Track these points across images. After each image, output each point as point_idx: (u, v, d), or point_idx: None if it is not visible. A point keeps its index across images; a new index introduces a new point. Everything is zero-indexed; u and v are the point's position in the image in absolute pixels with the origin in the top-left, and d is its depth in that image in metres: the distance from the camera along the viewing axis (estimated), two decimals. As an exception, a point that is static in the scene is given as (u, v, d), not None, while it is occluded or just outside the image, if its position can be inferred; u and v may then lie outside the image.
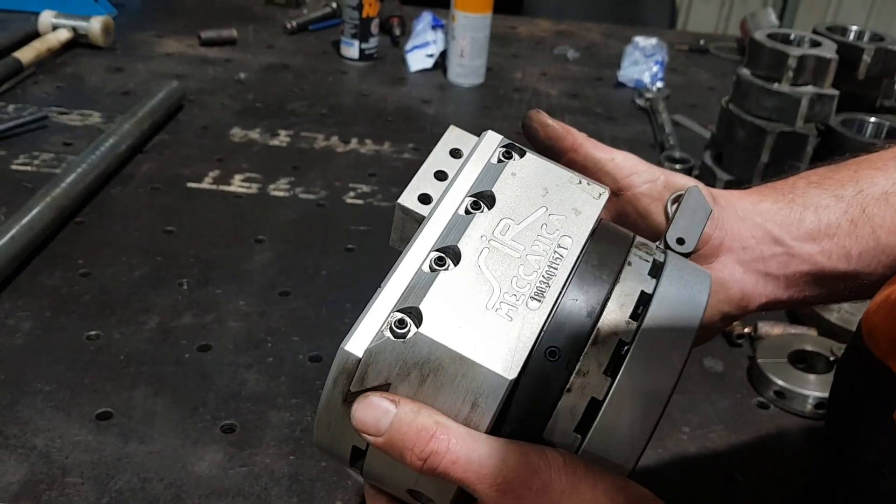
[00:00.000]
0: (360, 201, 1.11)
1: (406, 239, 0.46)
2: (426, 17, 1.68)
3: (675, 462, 0.73)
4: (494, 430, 0.38)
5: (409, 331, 0.37)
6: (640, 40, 1.65)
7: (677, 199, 0.51)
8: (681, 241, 0.48)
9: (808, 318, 0.89)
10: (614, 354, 0.39)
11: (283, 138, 1.27)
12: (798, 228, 0.51)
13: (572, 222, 0.43)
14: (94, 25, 1.52)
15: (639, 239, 0.45)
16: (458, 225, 0.42)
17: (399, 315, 0.38)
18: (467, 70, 1.53)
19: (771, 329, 0.87)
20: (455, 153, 0.48)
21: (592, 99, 1.54)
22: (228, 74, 1.50)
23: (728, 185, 1.13)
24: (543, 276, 0.40)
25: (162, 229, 1.00)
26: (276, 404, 0.75)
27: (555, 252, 0.42)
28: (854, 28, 1.23)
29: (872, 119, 1.11)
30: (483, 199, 0.43)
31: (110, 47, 1.55)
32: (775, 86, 1.09)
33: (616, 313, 0.40)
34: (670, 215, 0.50)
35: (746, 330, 0.87)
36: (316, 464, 0.69)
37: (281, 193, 1.11)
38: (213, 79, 1.48)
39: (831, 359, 0.82)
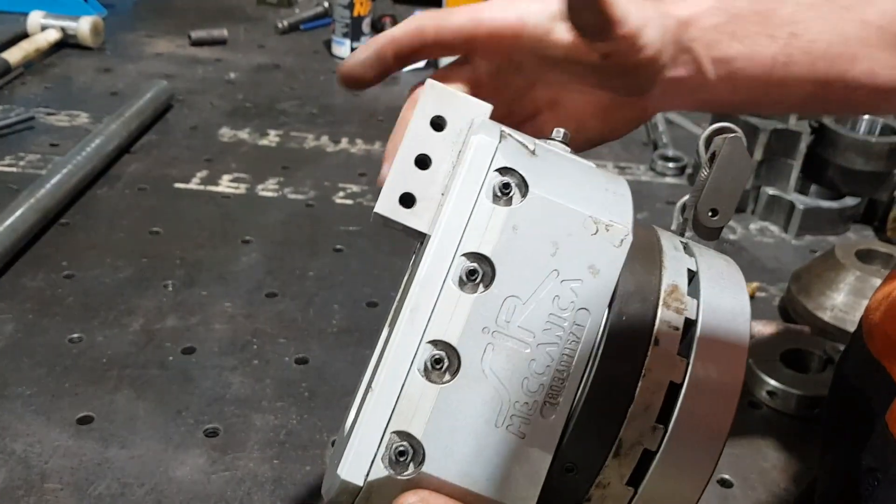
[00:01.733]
0: (349, 201, 1.09)
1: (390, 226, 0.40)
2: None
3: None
4: None
5: (409, 466, 0.35)
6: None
7: (711, 141, 0.45)
8: (714, 213, 0.43)
9: (801, 317, 0.88)
10: (638, 465, 0.36)
11: (272, 138, 1.26)
12: (726, 66, 0.50)
13: (589, 287, 0.36)
14: (84, 26, 1.50)
15: (667, 281, 0.38)
16: (453, 305, 0.36)
17: (398, 443, 0.35)
18: (459, 69, 1.51)
19: (763, 328, 0.86)
20: (437, 124, 0.40)
21: (585, 97, 1.53)
22: (218, 74, 1.49)
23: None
24: (558, 371, 0.36)
25: (148, 230, 0.99)
26: (260, 407, 0.74)
27: (570, 335, 0.36)
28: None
29: (865, 116, 1.10)
30: (480, 263, 0.36)
31: (99, 48, 1.54)
32: (768, 82, 1.08)
33: (640, 418, 0.35)
34: (703, 166, 0.45)
35: (739, 329, 0.86)
36: (300, 468, 0.68)
37: (269, 194, 1.10)
38: (202, 79, 1.47)
39: (824, 358, 0.81)
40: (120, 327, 0.82)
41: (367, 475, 0.35)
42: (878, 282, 0.85)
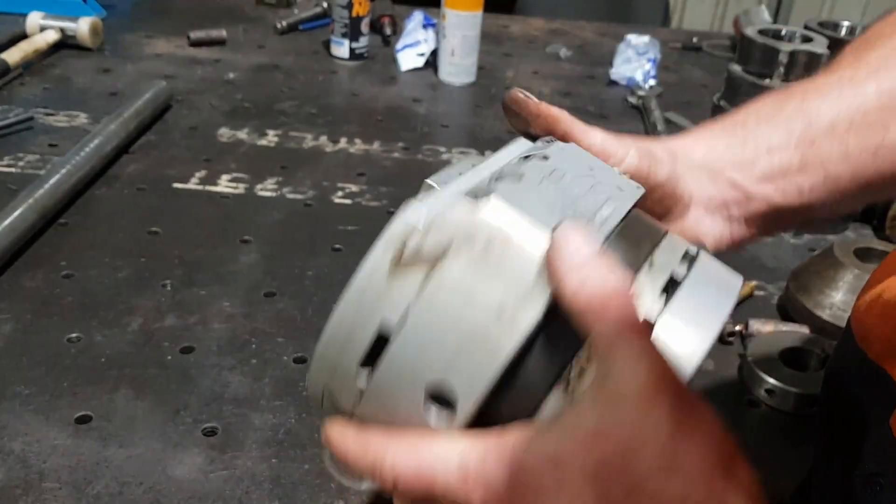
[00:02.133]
0: (348, 201, 1.09)
1: None
2: (417, 16, 1.67)
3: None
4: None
5: (479, 203, 0.37)
6: (633, 38, 1.64)
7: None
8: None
9: (800, 315, 0.88)
10: (668, 283, 0.39)
11: (271, 138, 1.26)
12: (753, 170, 0.52)
13: (617, 193, 0.42)
14: (83, 26, 1.50)
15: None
16: (512, 166, 0.41)
17: (473, 200, 0.37)
18: (458, 69, 1.52)
19: (762, 327, 0.86)
20: None
21: (585, 97, 1.53)
22: (217, 75, 1.49)
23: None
24: (597, 217, 0.40)
25: (147, 230, 0.99)
26: (259, 406, 0.74)
27: (605, 206, 0.41)
28: (846, 23, 1.22)
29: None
30: (536, 157, 0.43)
31: (99, 48, 1.54)
32: (766, 81, 1.08)
33: (667, 253, 0.41)
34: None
35: (737, 328, 0.86)
36: (298, 467, 0.68)
37: (268, 193, 1.10)
38: (201, 79, 1.47)
39: (823, 356, 0.81)
40: (119, 327, 0.82)
41: (436, 210, 0.37)
42: (876, 280, 0.85)
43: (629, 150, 0.49)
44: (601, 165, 0.45)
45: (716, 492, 0.33)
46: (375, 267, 0.37)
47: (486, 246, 0.36)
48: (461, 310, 0.36)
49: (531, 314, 0.36)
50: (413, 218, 0.37)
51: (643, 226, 0.43)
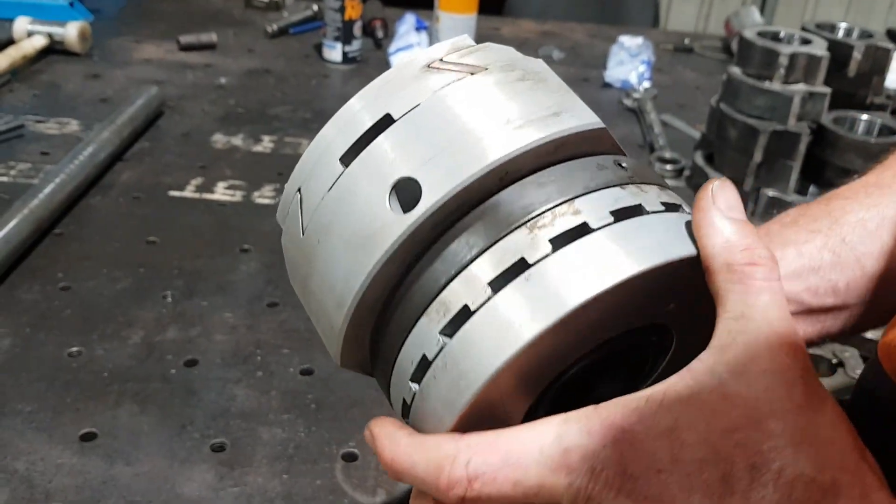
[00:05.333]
0: (347, 208, 1.08)
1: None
2: (409, 19, 1.65)
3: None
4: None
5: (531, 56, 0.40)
6: (626, 40, 1.64)
7: None
8: None
9: (808, 319, 0.88)
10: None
11: (266, 144, 1.25)
12: (781, 269, 0.50)
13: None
14: (71, 31, 1.48)
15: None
16: None
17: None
18: (452, 72, 1.51)
19: (771, 332, 0.85)
20: None
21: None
22: (209, 79, 1.47)
23: (721, 186, 1.11)
24: None
25: (144, 240, 0.98)
26: (267, 420, 0.72)
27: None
28: (843, 25, 1.22)
29: (864, 116, 1.10)
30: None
31: (87, 54, 1.52)
32: (766, 84, 1.08)
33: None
34: None
35: (746, 333, 0.85)
36: (310, 482, 0.66)
37: (266, 201, 1.08)
38: (193, 84, 1.45)
39: (833, 362, 0.80)
40: (120, 340, 0.81)
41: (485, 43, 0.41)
42: (884, 284, 0.84)
43: None
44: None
45: (857, 474, 0.31)
46: (413, 61, 0.39)
47: (519, 78, 0.38)
48: (471, 113, 0.37)
49: (539, 133, 0.36)
50: (465, 40, 0.40)
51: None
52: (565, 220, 0.35)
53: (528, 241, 0.35)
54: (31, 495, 0.63)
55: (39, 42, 1.45)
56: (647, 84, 1.56)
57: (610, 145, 0.40)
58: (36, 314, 0.83)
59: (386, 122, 0.37)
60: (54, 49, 1.49)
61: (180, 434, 0.70)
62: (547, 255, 0.34)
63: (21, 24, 1.48)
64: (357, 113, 0.38)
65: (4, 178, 1.08)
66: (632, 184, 0.38)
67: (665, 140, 1.32)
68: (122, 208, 1.04)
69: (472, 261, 0.35)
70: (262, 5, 1.86)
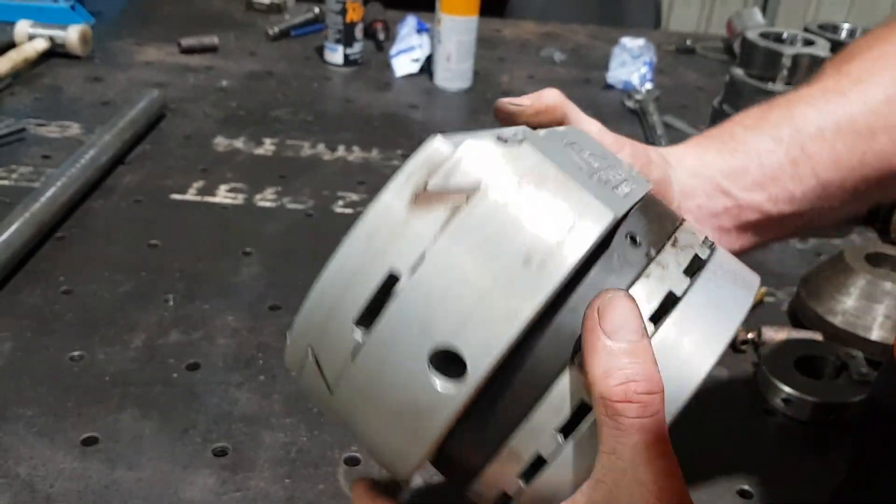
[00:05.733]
0: (349, 210, 1.08)
1: None
2: (410, 21, 1.65)
3: (684, 476, 0.70)
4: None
5: (510, 142, 0.35)
6: (627, 41, 1.63)
7: None
8: None
9: (812, 322, 0.87)
10: (693, 261, 0.38)
11: (268, 147, 1.24)
12: (744, 178, 0.52)
13: (632, 179, 0.40)
14: (72, 34, 1.48)
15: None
16: (534, 133, 0.39)
17: (504, 142, 0.35)
18: (454, 74, 1.50)
19: (775, 334, 0.85)
20: None
21: (581, 101, 1.51)
22: (210, 82, 1.47)
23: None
24: (620, 186, 0.38)
25: (146, 243, 0.97)
26: (269, 424, 0.72)
27: (624, 181, 0.39)
28: (846, 26, 1.22)
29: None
30: (552, 129, 0.42)
31: (88, 57, 1.52)
32: (770, 85, 1.07)
33: (689, 233, 0.39)
34: None
35: (750, 336, 0.85)
36: (313, 487, 0.66)
37: (268, 204, 1.08)
38: (194, 87, 1.45)
39: (838, 364, 0.80)
40: (121, 343, 0.80)
41: (466, 142, 0.34)
42: (888, 286, 0.84)
43: (624, 146, 0.49)
44: (612, 153, 0.43)
45: None
46: (392, 202, 0.33)
47: (518, 183, 0.33)
48: (484, 258, 0.33)
49: (564, 265, 0.33)
50: (439, 150, 0.33)
51: (662, 207, 0.41)
52: None
53: (580, 383, 0.35)
54: (32, 500, 0.63)
55: (41, 45, 1.45)
56: (649, 85, 1.56)
57: None
58: (37, 318, 0.83)
59: (392, 280, 0.34)
60: (55, 52, 1.49)
61: (182, 438, 0.70)
62: None
63: (22, 27, 1.48)
64: (358, 270, 0.35)
65: (6, 182, 1.07)
66: (651, 262, 0.37)
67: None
68: (123, 212, 1.04)
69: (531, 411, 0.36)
70: (263, 8, 1.86)
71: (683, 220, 0.42)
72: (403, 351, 0.34)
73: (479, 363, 0.34)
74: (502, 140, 0.35)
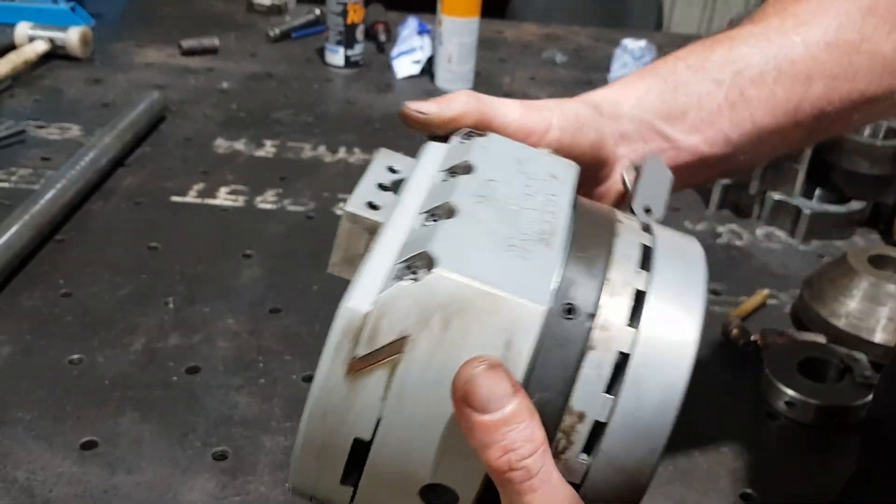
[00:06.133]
0: (350, 212, 1.07)
1: (352, 259, 0.43)
2: (411, 23, 1.65)
3: (686, 480, 0.70)
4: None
5: (419, 275, 0.33)
6: (629, 43, 1.63)
7: (636, 168, 0.50)
8: (648, 210, 0.47)
9: (815, 324, 0.87)
10: (634, 304, 0.37)
11: (268, 149, 1.24)
12: (683, 121, 0.52)
13: (554, 184, 0.41)
14: (72, 36, 1.48)
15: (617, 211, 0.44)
16: (441, 189, 0.39)
17: (405, 264, 0.34)
18: (455, 76, 1.50)
19: (778, 337, 0.84)
20: (392, 170, 0.46)
21: (582, 103, 1.52)
22: (211, 84, 1.47)
23: (726, 188, 1.11)
24: (544, 226, 0.38)
25: (146, 245, 0.97)
26: (269, 428, 0.72)
27: (547, 207, 0.39)
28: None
29: (871, 119, 1.09)
30: (459, 168, 0.41)
31: (89, 58, 1.51)
32: (772, 86, 1.07)
33: (624, 264, 0.38)
34: (629, 185, 0.50)
35: (753, 338, 0.84)
36: (313, 491, 0.66)
37: (268, 206, 1.08)
38: (195, 88, 1.45)
39: (841, 367, 0.79)
40: (121, 347, 0.80)
41: (376, 299, 0.33)
42: (892, 288, 0.84)
43: (549, 121, 0.48)
44: (527, 154, 0.44)
45: None
46: (329, 380, 0.34)
47: (443, 325, 0.34)
48: (436, 403, 0.34)
49: (522, 360, 0.34)
50: (356, 314, 0.34)
51: (590, 214, 0.41)
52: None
53: None
54: (31, 505, 0.63)
55: (41, 47, 1.45)
56: (650, 87, 1.55)
57: None
58: (37, 321, 0.83)
59: (360, 443, 0.35)
60: (56, 54, 1.49)
61: (182, 442, 0.70)
62: None
63: (22, 29, 1.47)
64: (324, 446, 0.36)
65: (5, 184, 1.07)
66: (593, 330, 0.36)
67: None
68: (123, 214, 1.04)
69: None
70: (264, 9, 1.86)
71: (613, 214, 0.42)
72: (394, 495, 0.37)
73: (467, 490, 0.36)
74: (409, 269, 0.34)
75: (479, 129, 0.47)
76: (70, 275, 0.90)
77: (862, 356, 0.80)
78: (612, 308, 0.36)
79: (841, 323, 0.84)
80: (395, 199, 0.42)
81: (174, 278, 0.91)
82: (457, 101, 0.47)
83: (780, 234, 1.09)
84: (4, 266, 0.87)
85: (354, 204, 0.43)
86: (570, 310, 0.36)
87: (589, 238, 0.39)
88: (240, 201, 1.08)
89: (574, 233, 0.39)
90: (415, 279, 0.33)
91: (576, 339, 0.36)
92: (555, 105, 0.50)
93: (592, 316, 0.36)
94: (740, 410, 0.78)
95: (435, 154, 0.44)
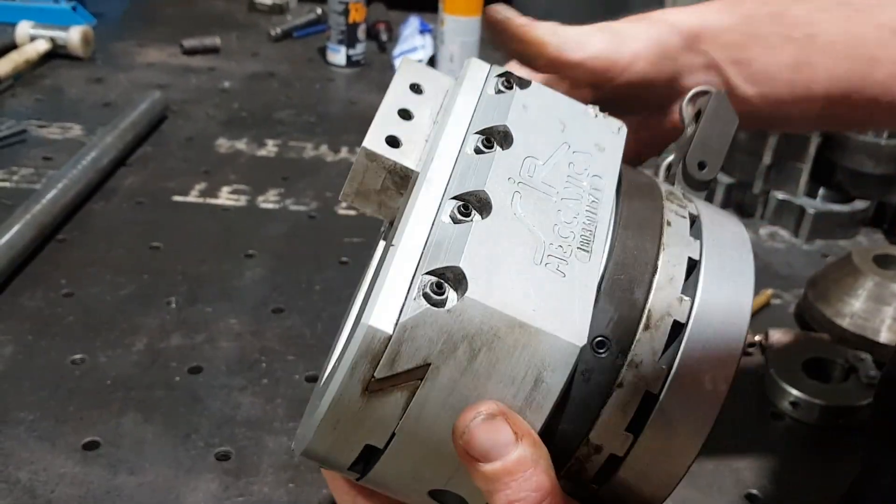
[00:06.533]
0: (352, 212, 1.07)
1: (367, 193, 0.40)
2: (413, 22, 1.65)
3: (690, 481, 0.70)
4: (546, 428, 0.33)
5: (448, 296, 0.31)
6: (631, 42, 1.62)
7: (695, 99, 0.47)
8: (702, 166, 0.44)
9: (819, 324, 0.86)
10: (669, 339, 0.34)
11: (270, 148, 1.24)
12: (747, 69, 0.51)
13: (599, 160, 0.38)
14: (74, 36, 1.47)
15: (665, 187, 0.40)
16: (473, 167, 0.36)
17: (432, 278, 0.31)
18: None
19: (782, 337, 0.84)
20: (416, 88, 0.42)
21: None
22: (212, 83, 1.47)
23: (730, 187, 1.10)
24: (585, 223, 0.35)
25: (148, 245, 0.97)
26: (272, 429, 0.71)
27: (590, 195, 0.36)
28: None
29: (875, 118, 1.09)
30: (495, 135, 0.37)
31: (90, 58, 1.51)
32: (776, 85, 1.06)
33: (666, 289, 0.35)
34: (687, 123, 0.47)
35: (757, 338, 0.84)
36: (316, 491, 0.65)
37: (270, 206, 1.08)
38: (196, 88, 1.44)
39: (846, 366, 0.79)
40: (123, 347, 0.80)
41: (399, 319, 0.31)
42: (897, 287, 0.83)
43: (635, 51, 0.48)
44: (572, 114, 0.40)
45: None
46: (344, 395, 0.32)
47: (470, 357, 0.31)
48: (449, 424, 0.33)
49: (536, 424, 0.33)
50: (375, 338, 0.31)
51: (636, 206, 0.38)
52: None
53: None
54: (33, 506, 0.62)
55: (42, 46, 1.45)
56: (653, 86, 1.55)
57: None
58: (38, 321, 0.82)
59: (371, 451, 0.34)
60: (57, 53, 1.49)
61: (185, 443, 0.69)
62: None
63: (24, 28, 1.47)
64: (331, 450, 0.34)
65: (7, 184, 1.07)
66: (623, 368, 0.34)
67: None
68: (125, 214, 1.04)
69: None
70: (265, 9, 1.85)
71: (659, 191, 0.40)
72: (402, 488, 0.36)
73: (478, 500, 0.34)
74: (437, 295, 0.31)
75: (555, 65, 0.46)
76: (72, 275, 0.90)
77: (867, 356, 0.79)
78: (647, 344, 0.34)
79: (845, 323, 0.84)
80: (419, 153, 0.38)
81: (176, 278, 0.91)
82: (540, 29, 0.47)
83: (784, 233, 1.09)
84: (6, 266, 0.86)
85: (372, 140, 0.40)
86: (601, 343, 0.34)
87: (632, 252, 0.36)
88: (242, 201, 1.08)
89: (617, 240, 0.36)
90: (441, 300, 0.31)
91: (605, 374, 0.34)
92: (642, 31, 0.48)
93: (625, 353, 0.34)
94: (745, 411, 0.78)
95: (472, 89, 0.40)
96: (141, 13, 1.85)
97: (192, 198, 1.08)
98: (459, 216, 0.34)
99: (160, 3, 1.89)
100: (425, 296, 0.31)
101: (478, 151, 0.36)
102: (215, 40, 1.61)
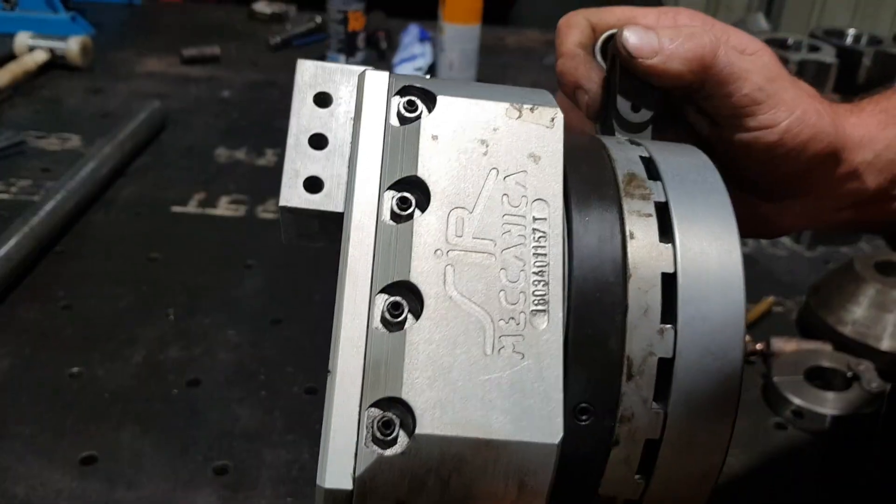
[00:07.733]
0: (351, 221, 1.07)
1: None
2: (413, 30, 1.64)
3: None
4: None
5: (397, 434, 0.29)
6: (631, 48, 1.62)
7: (606, 47, 0.43)
8: (636, 108, 0.41)
9: (821, 332, 0.86)
10: (658, 378, 0.31)
11: (270, 157, 1.23)
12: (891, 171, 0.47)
13: (536, 177, 0.33)
14: (72, 46, 1.47)
15: (620, 171, 0.34)
16: (394, 244, 0.31)
17: (378, 413, 0.29)
18: (456, 83, 1.49)
19: (784, 345, 0.83)
20: (322, 100, 0.37)
21: (585, 109, 1.51)
22: (212, 93, 1.46)
23: (730, 195, 1.10)
24: (536, 273, 0.31)
25: (146, 256, 0.96)
26: (271, 441, 0.71)
27: (534, 231, 0.32)
28: (851, 31, 1.21)
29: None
30: (410, 190, 0.32)
31: (89, 68, 1.51)
32: (776, 92, 1.06)
33: (642, 325, 0.31)
34: (608, 71, 0.42)
35: (759, 347, 0.84)
36: (315, 505, 0.65)
37: (270, 216, 1.07)
38: (196, 98, 1.44)
39: (849, 375, 0.79)
40: (121, 359, 0.79)
41: (355, 471, 0.28)
42: (899, 295, 0.83)
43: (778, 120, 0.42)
44: (493, 126, 0.34)
45: None
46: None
47: (442, 486, 0.29)
48: None
49: (539, 500, 0.30)
50: (336, 498, 0.29)
51: (588, 195, 0.34)
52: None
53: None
54: (30, 522, 0.62)
55: (41, 57, 1.44)
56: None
57: None
58: (36, 334, 0.82)
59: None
60: (56, 64, 1.48)
61: (183, 456, 0.69)
62: None
63: (22, 38, 1.47)
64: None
65: (5, 196, 1.07)
66: (614, 431, 0.32)
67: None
68: (123, 224, 1.03)
69: None
70: (265, 17, 1.85)
71: (602, 145, 0.36)
72: None
73: None
74: (386, 437, 0.29)
75: (706, 90, 0.40)
76: (70, 287, 0.89)
77: (869, 365, 0.79)
78: (634, 395, 0.31)
79: (847, 330, 0.84)
80: (344, 186, 0.34)
81: (174, 289, 0.90)
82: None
83: (786, 240, 1.08)
84: (4, 278, 0.86)
85: (288, 193, 0.36)
86: (584, 410, 0.31)
87: (595, 295, 0.31)
88: (241, 211, 1.08)
89: (574, 283, 0.31)
90: (392, 441, 0.29)
91: (596, 439, 0.31)
92: (792, 100, 0.43)
93: (613, 411, 0.31)
94: (747, 420, 0.77)
95: (375, 123, 0.34)
96: (140, 23, 1.85)
97: (191, 208, 1.07)
98: (391, 318, 0.31)
99: (159, 12, 1.89)
100: (375, 441, 0.29)
101: (395, 217, 0.32)
102: (215, 49, 1.61)
